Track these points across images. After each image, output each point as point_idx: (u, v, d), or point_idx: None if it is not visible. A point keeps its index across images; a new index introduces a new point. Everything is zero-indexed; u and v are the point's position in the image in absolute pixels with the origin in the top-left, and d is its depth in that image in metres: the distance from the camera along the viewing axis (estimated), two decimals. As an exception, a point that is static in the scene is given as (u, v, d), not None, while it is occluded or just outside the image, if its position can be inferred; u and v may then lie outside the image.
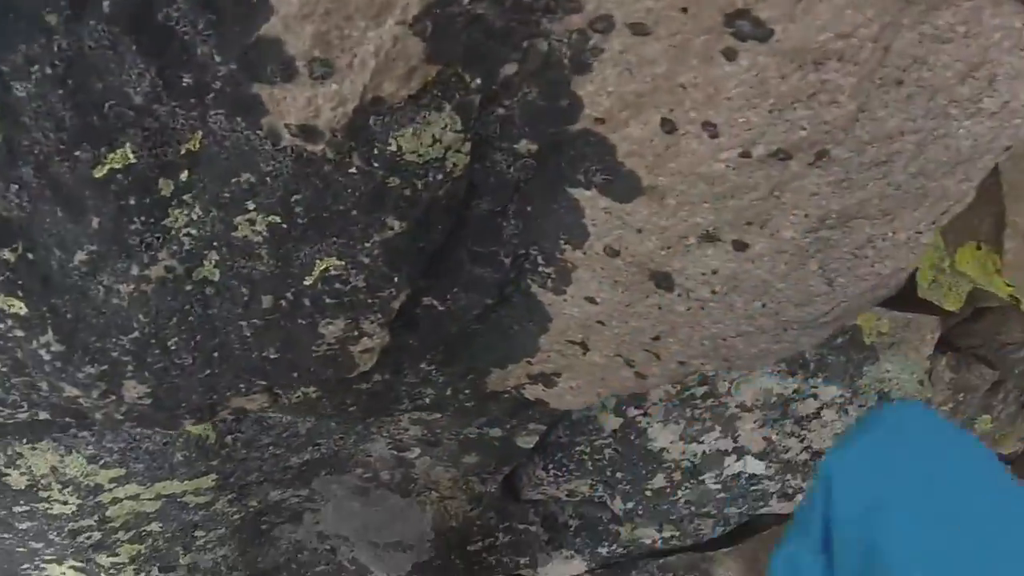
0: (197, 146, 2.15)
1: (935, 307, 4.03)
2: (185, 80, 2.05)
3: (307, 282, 2.52)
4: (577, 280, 2.81)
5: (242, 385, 2.79)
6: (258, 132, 2.14)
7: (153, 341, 2.50)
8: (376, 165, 2.28)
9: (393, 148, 2.25)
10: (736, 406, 4.16)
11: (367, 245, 2.47)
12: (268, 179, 2.24)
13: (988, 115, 2.14)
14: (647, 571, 4.61)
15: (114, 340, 2.46)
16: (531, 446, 4.08)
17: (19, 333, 2.41)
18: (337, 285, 2.56)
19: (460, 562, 4.47)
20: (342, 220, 2.39)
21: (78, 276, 2.31)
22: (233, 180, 2.23)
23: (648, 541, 4.56)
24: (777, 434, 4.25)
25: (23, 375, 2.58)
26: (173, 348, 2.55)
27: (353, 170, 2.27)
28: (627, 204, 2.52)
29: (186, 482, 3.57)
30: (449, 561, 4.44)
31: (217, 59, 2.02)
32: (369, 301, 2.66)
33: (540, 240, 2.74)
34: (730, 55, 2.10)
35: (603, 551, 4.57)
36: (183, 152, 2.15)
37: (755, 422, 4.21)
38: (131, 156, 2.13)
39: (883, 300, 2.69)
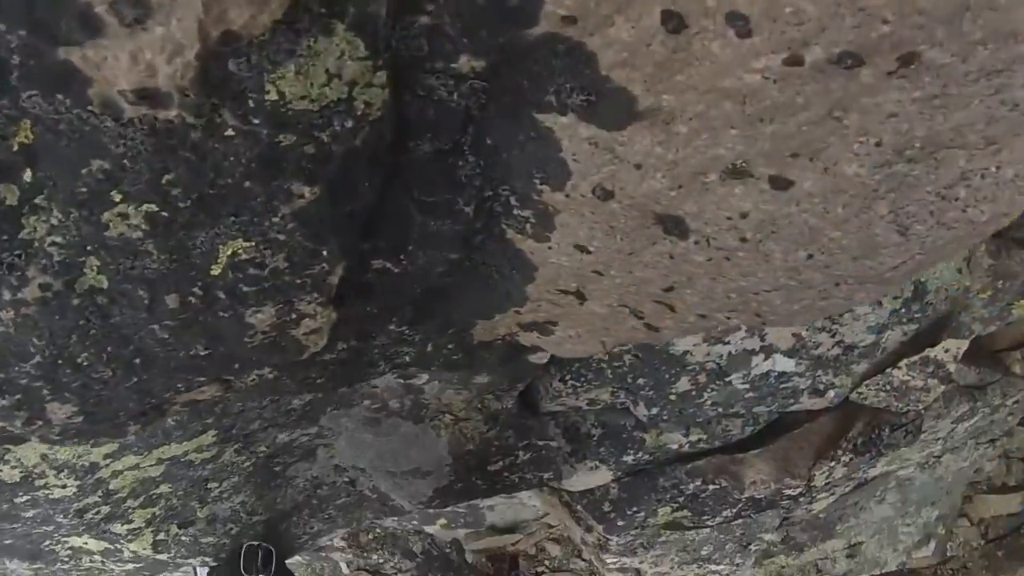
0: (30, 138, 1.42)
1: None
2: (-28, 63, 1.29)
3: (214, 272, 1.73)
4: (562, 225, 1.86)
5: (180, 384, 2.04)
6: (90, 108, 1.38)
7: (60, 362, 1.78)
8: (256, 122, 1.45)
9: (273, 96, 1.43)
10: (764, 304, 3.20)
11: (276, 220, 1.65)
12: (126, 162, 1.47)
13: None
14: (675, 477, 3.79)
15: (16, 368, 1.76)
16: (544, 361, 3.21)
17: (-89, 379, 1.69)
18: (252, 270, 1.75)
19: (482, 482, 3.71)
20: (235, 195, 1.58)
21: (-50, 311, 1.60)
22: (84, 171, 1.48)
23: (675, 446, 3.72)
24: (807, 330, 3.38)
25: (-60, 411, 1.89)
26: (85, 364, 1.82)
27: (229, 132, 1.46)
28: (619, 132, 1.56)
29: (185, 443, 2.89)
30: (470, 483, 3.68)
31: (1, 27, 1.26)
32: (298, 282, 1.82)
33: (509, 179, 1.80)
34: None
35: (628, 459, 3.75)
36: (15, 149, 1.43)
37: (784, 319, 3.29)
38: (-48, 167, 1.42)
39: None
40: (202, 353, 1.94)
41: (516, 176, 1.76)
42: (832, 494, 3.93)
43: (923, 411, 3.63)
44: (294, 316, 1.92)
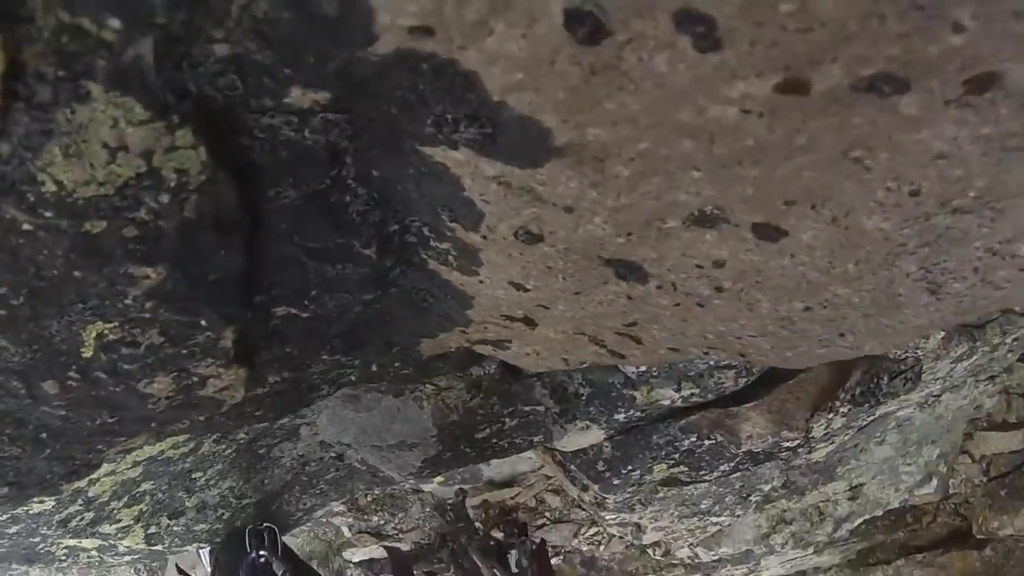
0: None
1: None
2: None
3: (86, 355, 1.36)
4: (490, 263, 1.29)
5: (99, 446, 1.70)
6: None
7: None
8: (49, 215, 1.00)
9: (51, 187, 0.95)
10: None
11: (129, 302, 1.24)
12: None
13: None
14: (669, 433, 3.25)
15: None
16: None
17: None
18: (126, 350, 1.37)
19: (470, 450, 3.23)
20: (70, 285, 1.19)
21: None
22: None
23: (667, 401, 3.15)
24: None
25: None
26: None
27: (27, 227, 1.02)
28: (535, 170, 0.97)
29: (158, 444, 2.40)
30: (459, 451, 3.20)
31: None
32: (184, 352, 1.41)
33: (415, 212, 1.21)
34: None
35: (620, 417, 3.21)
36: None
37: (777, 269, 2.68)
38: None
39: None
40: (110, 420, 1.56)
41: (420, 211, 1.19)
42: (831, 443, 3.41)
43: (922, 356, 3.06)
44: (195, 380, 1.49)
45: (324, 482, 3.41)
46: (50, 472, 1.72)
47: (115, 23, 0.73)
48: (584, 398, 3.20)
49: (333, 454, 3.26)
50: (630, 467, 3.35)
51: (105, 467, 2.32)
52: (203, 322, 1.30)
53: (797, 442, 3.18)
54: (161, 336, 1.31)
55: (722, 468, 3.37)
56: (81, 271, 1.15)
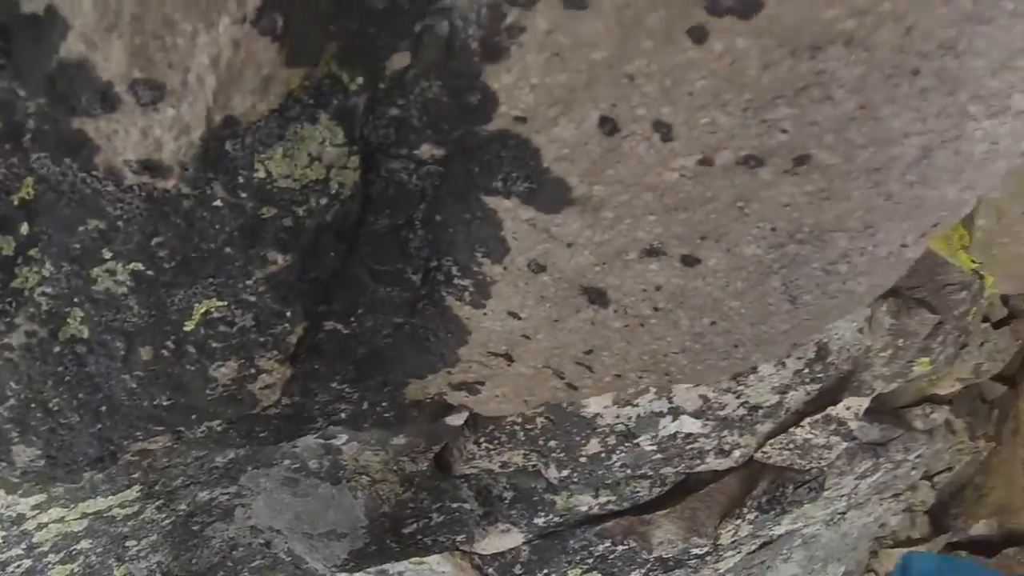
0: (31, 194, 1.59)
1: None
2: (-11, 123, 1.46)
3: (187, 328, 1.95)
4: (498, 294, 2.17)
5: (138, 433, 2.23)
6: (95, 174, 1.57)
7: (32, 406, 1.96)
8: (243, 196, 1.70)
9: (261, 174, 1.67)
10: (670, 368, 3.55)
11: (249, 283, 1.90)
12: (120, 224, 1.67)
13: (1014, 114, 1.51)
14: (584, 539, 4.10)
15: (-9, 410, 1.90)
16: (461, 423, 3.54)
17: None
18: (222, 328, 1.99)
19: (396, 545, 3.92)
20: (215, 259, 1.81)
21: (-69, 350, 1.73)
22: (80, 229, 1.67)
23: (584, 508, 4.04)
24: (713, 391, 3.71)
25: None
26: (56, 409, 2.00)
27: (218, 203, 1.69)
28: (554, 215, 1.89)
29: (110, 497, 3.04)
30: (385, 545, 3.89)
31: (21, 93, 1.43)
32: (261, 340, 2.07)
33: (453, 252, 2.10)
34: (698, 36, 1.45)
35: (539, 521, 4.04)
36: (16, 203, 1.60)
37: (690, 382, 3.63)
38: (-47, 216, 1.56)
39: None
40: (164, 404, 2.12)
41: (460, 250, 2.07)
42: (738, 552, 4.28)
43: (826, 468, 4.04)
44: (253, 371, 2.14)
45: (248, 570, 4.03)
46: (83, 454, 2.18)
47: (360, 80, 1.59)
48: (507, 501, 4.03)
49: (262, 541, 3.90)
50: (546, 570, 4.13)
51: (55, 511, 2.89)
52: (289, 313, 1.98)
53: (706, 549, 4.06)
54: (253, 320, 1.96)
55: (633, 574, 4.18)
56: (232, 248, 1.74)
